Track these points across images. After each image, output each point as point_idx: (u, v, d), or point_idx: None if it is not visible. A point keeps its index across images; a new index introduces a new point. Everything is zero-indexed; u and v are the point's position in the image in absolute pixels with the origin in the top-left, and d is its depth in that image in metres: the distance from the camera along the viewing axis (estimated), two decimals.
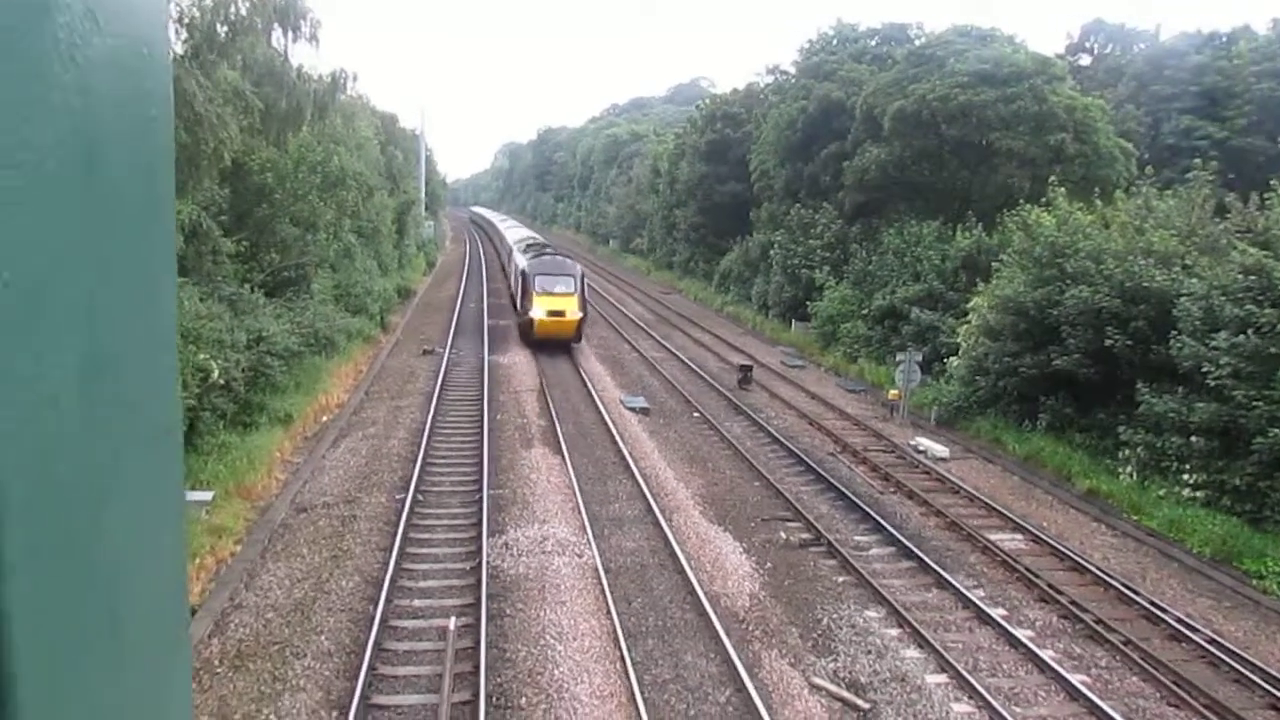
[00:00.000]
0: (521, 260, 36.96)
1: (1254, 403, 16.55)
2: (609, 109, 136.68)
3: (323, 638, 11.66)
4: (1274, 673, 12.02)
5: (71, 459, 0.63)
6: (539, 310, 31.38)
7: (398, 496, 16.68)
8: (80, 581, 0.65)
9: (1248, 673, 12.03)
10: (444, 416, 22.73)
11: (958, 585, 14.30)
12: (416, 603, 12.82)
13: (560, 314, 31.43)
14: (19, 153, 0.57)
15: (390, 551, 14.05)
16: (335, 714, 10.00)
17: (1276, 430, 16.00)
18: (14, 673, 0.56)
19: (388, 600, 12.51)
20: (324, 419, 22.31)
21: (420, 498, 16.84)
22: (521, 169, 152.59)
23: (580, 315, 32.08)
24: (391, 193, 47.48)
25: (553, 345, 32.09)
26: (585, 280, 34.07)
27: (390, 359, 30.42)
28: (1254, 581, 15.28)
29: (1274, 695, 11.53)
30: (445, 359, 29.53)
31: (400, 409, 23.44)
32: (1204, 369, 17.66)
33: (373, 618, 11.90)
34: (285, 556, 14.24)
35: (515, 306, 38.25)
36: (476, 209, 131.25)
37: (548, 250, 39.00)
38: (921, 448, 22.24)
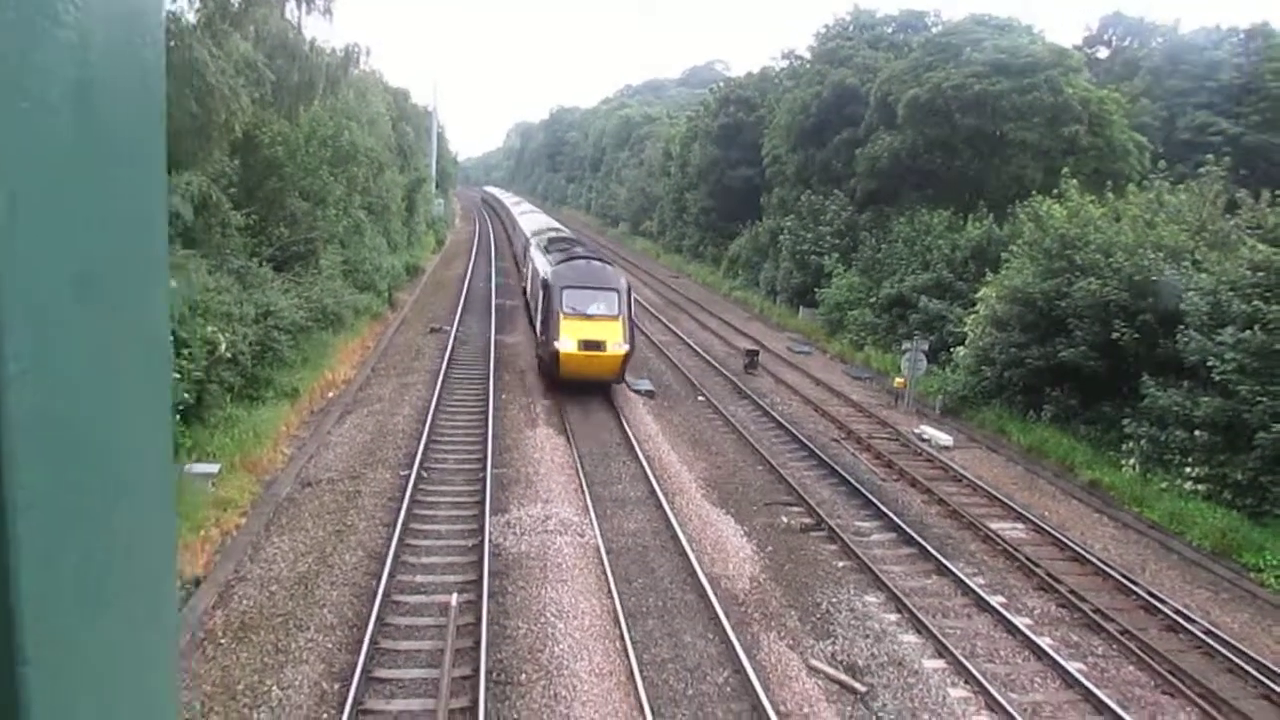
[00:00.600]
0: (542, 263, 27.70)
1: (1258, 398, 16.53)
2: (622, 90, 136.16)
3: (325, 611, 11.78)
4: (1269, 664, 12.10)
5: (64, 358, 0.69)
6: (567, 340, 22.39)
7: (402, 473, 16.78)
8: (75, 476, 0.71)
9: (1242, 663, 12.11)
10: (449, 394, 22.83)
11: (958, 572, 14.37)
12: (419, 578, 12.94)
13: (598, 346, 22.37)
14: (27, 79, 0.63)
15: (394, 527, 14.16)
16: (337, 686, 10.12)
17: (1279, 425, 15.99)
18: (17, 565, 0.63)
19: (390, 575, 12.62)
20: (330, 395, 22.43)
21: (424, 475, 16.94)
22: (533, 149, 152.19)
23: (626, 349, 22.76)
24: (402, 169, 47.46)
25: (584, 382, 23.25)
26: (632, 295, 24.88)
27: (397, 336, 30.51)
28: (1252, 575, 15.33)
29: (1268, 686, 11.61)
30: (452, 337, 29.60)
31: (406, 386, 23.53)
32: (1209, 364, 17.64)
33: (375, 592, 12.01)
34: (289, 530, 14.36)
35: (531, 322, 29.71)
36: (488, 188, 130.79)
37: (578, 250, 28.46)
38: (925, 436, 22.28)
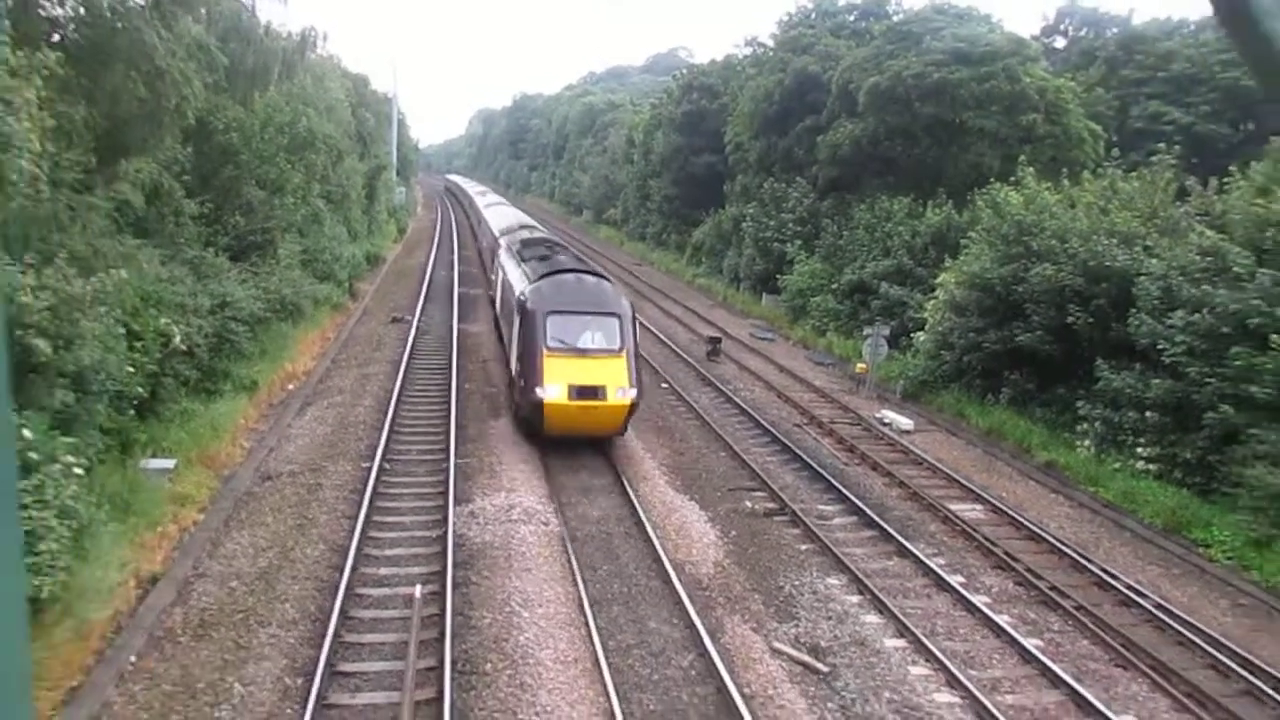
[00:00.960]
0: (516, 275, 22.19)
1: (1206, 379, 16.96)
2: (586, 77, 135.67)
3: (288, 606, 11.65)
4: (1215, 635, 12.48)
5: None
6: (553, 386, 17.18)
7: (364, 465, 16.63)
8: None
9: (1191, 636, 12.48)
10: (412, 385, 22.65)
11: (918, 553, 14.61)
12: (382, 570, 12.85)
13: (595, 394, 17.28)
14: None
15: (356, 520, 14.03)
16: (300, 681, 10.03)
17: (1226, 406, 16.42)
18: None
19: (353, 568, 12.52)
20: (290, 386, 22.14)
21: (387, 466, 16.81)
22: (496, 136, 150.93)
23: (633, 395, 17.59)
24: (362, 157, 46.82)
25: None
26: (636, 320, 19.36)
27: (359, 326, 30.18)
28: (1201, 550, 15.78)
29: (1214, 656, 11.98)
30: (414, 327, 29.34)
31: (368, 377, 23.31)
32: (1160, 346, 18.07)
33: (338, 585, 11.91)
34: (250, 525, 14.18)
35: (503, 346, 24.26)
36: (451, 176, 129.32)
37: (562, 258, 22.78)
38: (886, 420, 22.56)
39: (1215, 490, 16.89)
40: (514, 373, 19.50)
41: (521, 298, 19.24)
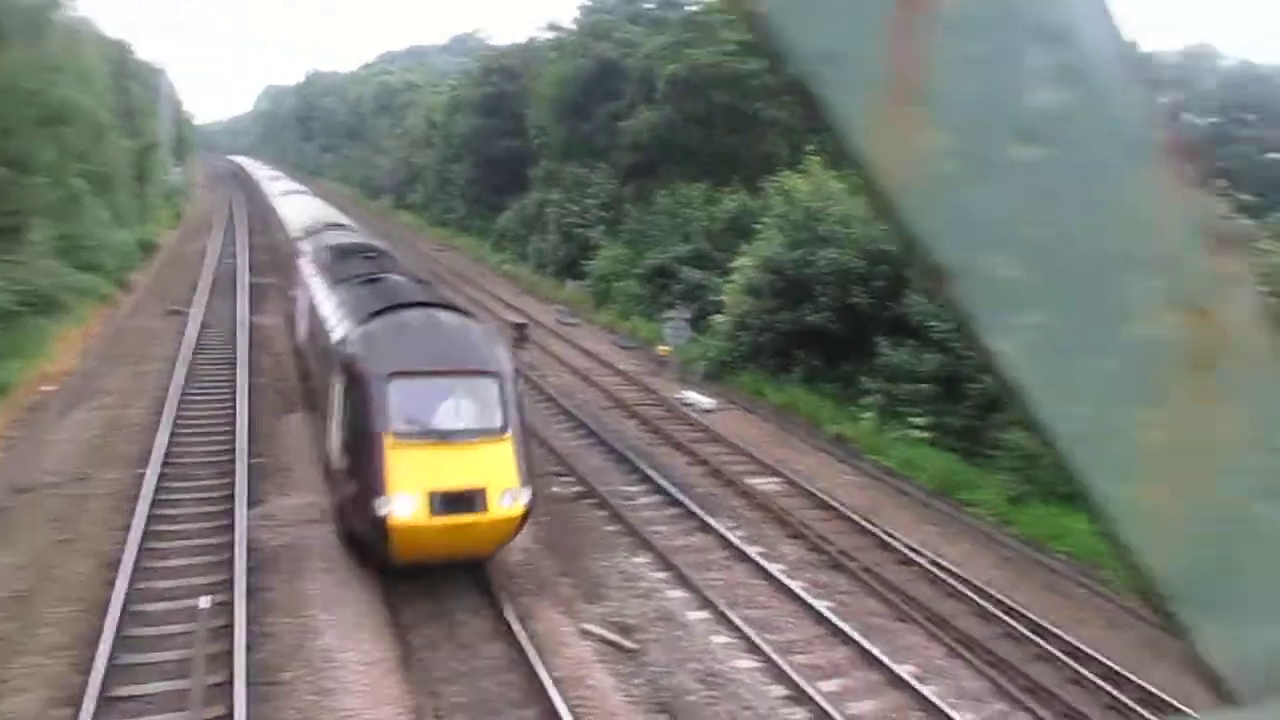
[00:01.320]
0: (331, 307, 15.37)
1: (969, 353, 18.69)
2: (384, 55, 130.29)
3: (51, 630, 10.51)
4: (981, 585, 13.88)
5: None
6: (405, 497, 11.02)
7: (139, 471, 15.24)
8: None
9: (961, 587, 13.83)
10: (195, 382, 20.94)
11: (719, 528, 15.25)
12: (163, 584, 11.86)
13: (469, 504, 11.25)
14: None
15: (131, 531, 12.85)
16: (68, 711, 9.10)
17: (987, 378, 18.18)
18: None
19: (130, 584, 11.47)
20: (48, 387, 19.92)
21: (167, 471, 15.48)
22: (284, 114, 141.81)
23: (526, 499, 11.71)
24: (131, 134, 42.64)
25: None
26: (519, 377, 13.68)
27: (131, 320, 27.55)
28: (969, 509, 17.45)
29: (980, 604, 13.36)
30: (196, 320, 27.11)
31: (142, 375, 21.34)
32: (930, 324, 19.77)
33: (111, 604, 10.87)
34: (1, 545, 12.66)
35: (313, 411, 17.11)
36: (235, 157, 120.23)
37: (396, 281, 16.48)
38: (688, 401, 23.31)
39: (979, 454, 18.71)
40: (335, 468, 12.64)
41: (344, 349, 12.82)
